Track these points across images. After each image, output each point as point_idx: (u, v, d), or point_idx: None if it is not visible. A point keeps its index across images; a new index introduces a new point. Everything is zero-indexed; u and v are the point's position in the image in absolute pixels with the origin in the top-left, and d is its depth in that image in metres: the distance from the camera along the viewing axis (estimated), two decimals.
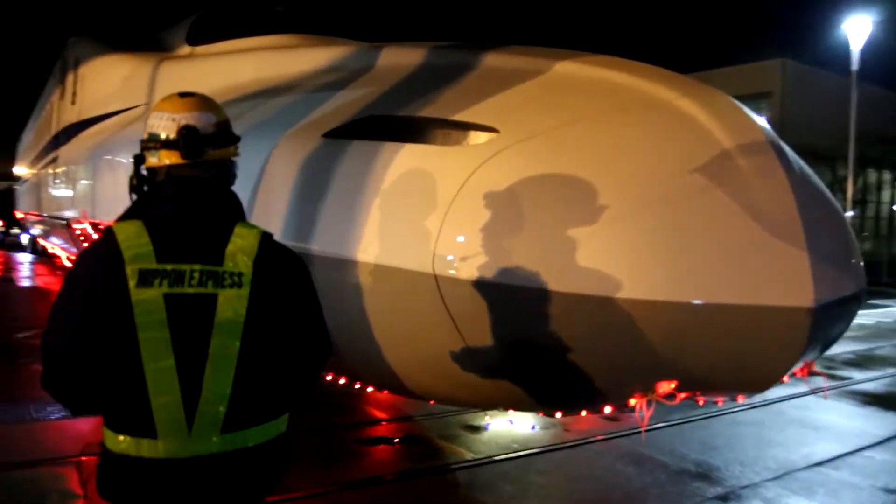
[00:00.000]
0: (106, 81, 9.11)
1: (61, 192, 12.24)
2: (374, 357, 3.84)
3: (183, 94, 2.18)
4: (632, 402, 3.41)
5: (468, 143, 3.64)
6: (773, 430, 6.63)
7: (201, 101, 2.17)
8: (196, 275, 1.95)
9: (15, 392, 6.83)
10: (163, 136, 2.09)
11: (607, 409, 3.61)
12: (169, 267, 1.94)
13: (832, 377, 9.02)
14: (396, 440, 5.95)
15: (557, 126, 3.50)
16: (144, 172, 2.16)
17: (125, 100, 7.96)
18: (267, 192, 4.38)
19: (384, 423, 6.46)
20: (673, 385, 3.29)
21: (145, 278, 1.91)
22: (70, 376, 1.92)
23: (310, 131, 4.35)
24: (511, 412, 4.70)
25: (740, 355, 3.19)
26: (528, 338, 3.28)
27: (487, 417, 6.59)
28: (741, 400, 4.02)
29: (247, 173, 3.90)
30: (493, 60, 4.36)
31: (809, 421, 6.97)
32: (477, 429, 6.32)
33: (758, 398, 7.63)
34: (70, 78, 10.64)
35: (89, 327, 1.89)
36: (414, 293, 3.46)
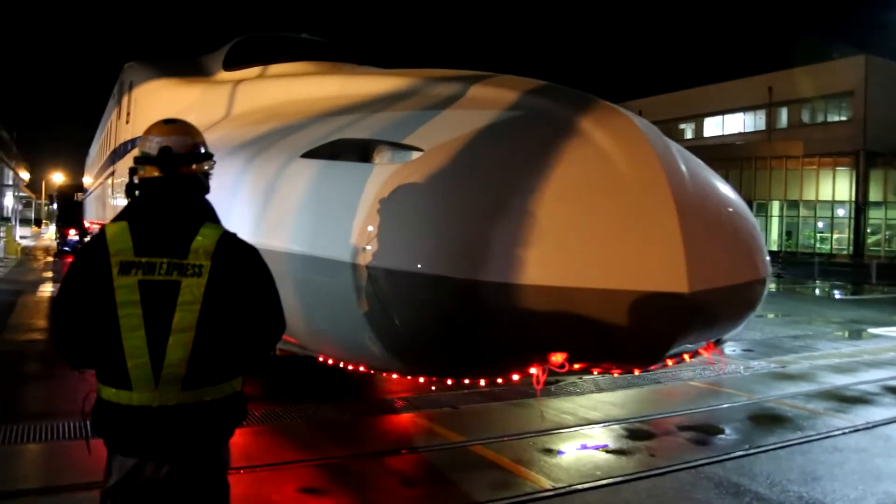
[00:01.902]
0: (154, 103, 9.98)
1: (119, 202, 13.01)
2: (317, 329, 4.84)
3: (167, 121, 2.76)
4: (531, 370, 4.12)
5: (400, 159, 4.54)
6: (880, 458, 6.01)
7: (179, 127, 2.75)
8: (164, 266, 2.50)
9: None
10: (149, 153, 2.66)
11: (515, 377, 4.32)
12: (143, 259, 2.50)
13: None
14: (454, 465, 5.52)
15: (464, 143, 4.28)
16: (137, 182, 2.71)
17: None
18: (258, 199, 5.30)
19: (451, 446, 6.03)
20: (563, 356, 3.95)
21: (125, 268, 2.49)
22: (69, 341, 2.57)
23: (294, 151, 5.28)
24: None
25: (624, 333, 3.82)
26: (438, 315, 4.00)
27: (563, 442, 6.20)
28: (637, 373, 4.69)
29: (246, 183, 5.40)
30: (435, 89, 5.37)
31: None
32: (554, 452, 5.91)
33: (860, 421, 7.07)
34: (125, 99, 11.53)
35: (83, 305, 2.51)
36: (343, 277, 4.29)
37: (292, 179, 5.04)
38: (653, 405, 7.77)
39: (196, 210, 2.67)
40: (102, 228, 2.60)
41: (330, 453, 5.73)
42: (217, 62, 9.37)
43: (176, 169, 2.65)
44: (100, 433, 2.55)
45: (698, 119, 52.10)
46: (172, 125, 2.74)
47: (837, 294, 23.61)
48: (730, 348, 11.74)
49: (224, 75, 9.06)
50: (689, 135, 53.34)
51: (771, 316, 16.34)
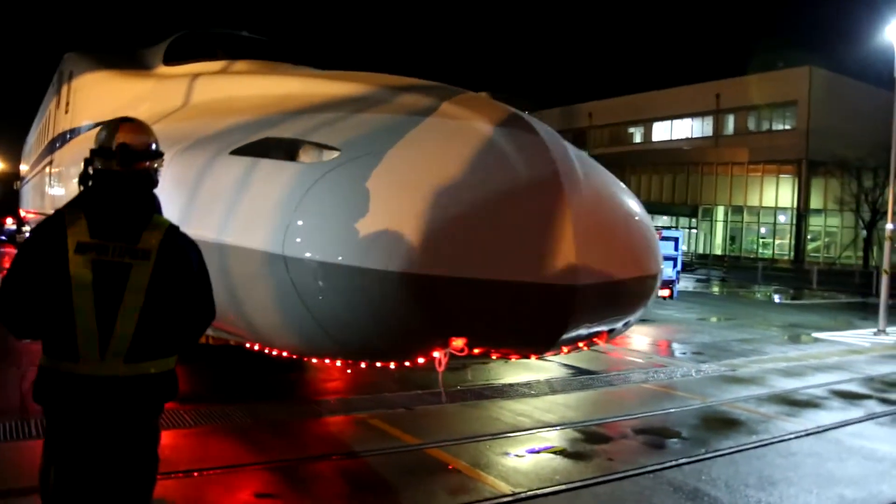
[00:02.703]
0: (93, 94, 10.00)
1: (56, 191, 12.79)
2: (245, 314, 5.04)
3: (125, 119, 3.02)
4: (435, 354, 4.41)
5: (319, 158, 4.91)
6: (832, 462, 6.04)
7: (137, 126, 3.00)
8: (117, 249, 2.73)
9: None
10: (107, 148, 2.88)
11: (420, 360, 4.57)
12: (97, 242, 2.72)
13: (884, 401, 8.46)
14: (410, 468, 5.39)
15: (378, 146, 4.59)
16: (91, 172, 2.90)
17: (108, 112, 8.53)
18: (189, 193, 5.43)
19: (407, 449, 5.87)
20: (463, 341, 4.25)
21: (80, 248, 2.69)
22: (16, 313, 2.71)
23: (223, 148, 5.47)
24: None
25: (519, 321, 4.21)
26: (352, 303, 4.29)
27: (520, 445, 6.10)
28: (534, 358, 4.89)
29: (177, 177, 5.37)
30: (359, 92, 5.69)
31: (869, 452, 6.39)
32: (512, 455, 5.80)
33: (811, 424, 7.13)
34: (65, 89, 11.52)
35: (35, 280, 2.68)
36: (265, 267, 4.59)
37: (220, 175, 5.30)
38: (607, 408, 7.74)
39: (147, 202, 2.94)
40: (60, 212, 2.82)
41: (283, 455, 5.53)
42: (157, 56, 9.38)
43: (132, 164, 2.90)
44: (42, 402, 2.75)
45: (647, 123, 52.74)
46: (131, 124, 3.00)
47: (779, 299, 24.09)
48: (679, 351, 11.85)
49: (163, 70, 9.08)
50: (637, 139, 54.04)
51: (716, 319, 16.58)
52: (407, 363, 4.69)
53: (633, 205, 5.18)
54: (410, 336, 4.38)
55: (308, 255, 4.34)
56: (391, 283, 4.06)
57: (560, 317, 4.18)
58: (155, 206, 2.96)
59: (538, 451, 5.96)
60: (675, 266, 15.49)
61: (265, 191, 4.86)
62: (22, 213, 24.51)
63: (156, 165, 3.00)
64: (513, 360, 4.80)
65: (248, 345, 5.61)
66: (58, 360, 2.70)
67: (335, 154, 4.73)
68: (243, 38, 9.70)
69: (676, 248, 15.55)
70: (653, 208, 42.62)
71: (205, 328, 3.06)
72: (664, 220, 43.02)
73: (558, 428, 6.70)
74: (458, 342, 4.27)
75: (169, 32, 9.91)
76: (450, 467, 5.43)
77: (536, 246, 4.08)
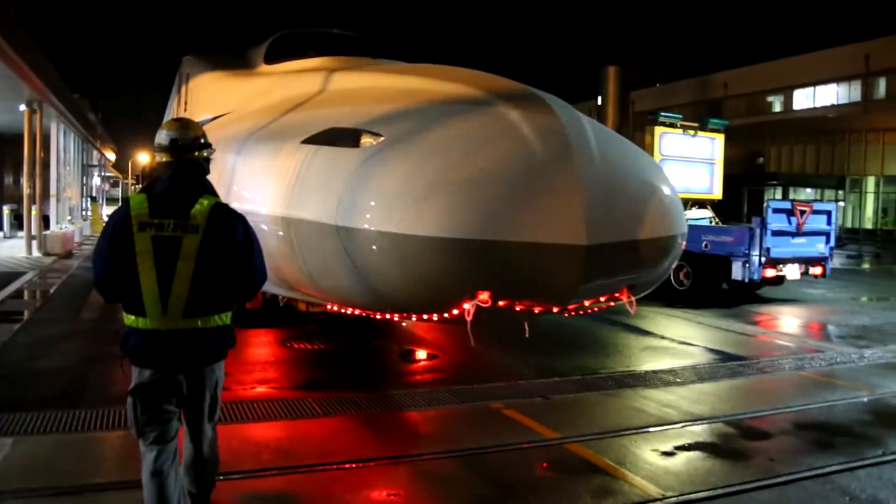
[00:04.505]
0: (205, 93, 11.09)
1: None
2: (301, 275, 6.05)
3: (175, 119, 3.82)
4: (465, 306, 4.96)
5: (364, 143, 5.60)
6: None
7: (185, 123, 3.74)
8: (171, 225, 3.37)
9: None
10: (163, 143, 3.59)
11: (455, 312, 5.08)
12: (155, 220, 3.37)
13: None
14: (550, 466, 5.04)
15: (418, 131, 5.40)
16: (155, 164, 3.64)
17: (217, 108, 9.88)
18: (269, 176, 6.43)
19: (546, 443, 5.52)
20: (488, 294, 4.87)
21: (142, 226, 3.35)
22: (104, 282, 3.44)
23: (297, 138, 6.26)
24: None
25: (537, 276, 4.82)
26: (400, 264, 4.97)
27: (669, 441, 5.63)
28: (556, 310, 5.26)
29: (263, 163, 6.62)
30: (415, 83, 6.55)
31: None
32: (660, 453, 5.34)
33: None
34: (183, 89, 12.36)
35: (113, 255, 3.37)
36: (325, 235, 5.39)
37: (292, 160, 6.11)
38: (762, 399, 7.11)
39: (196, 185, 3.58)
40: (127, 198, 3.54)
41: (413, 449, 5.31)
42: (259, 56, 10.18)
43: (181, 155, 3.59)
44: (125, 351, 3.46)
45: (788, 91, 49.63)
46: (179, 122, 3.77)
47: None
48: (836, 334, 10.91)
49: (264, 68, 9.92)
50: (777, 108, 51.03)
51: (873, 299, 15.29)
52: (445, 314, 5.23)
53: (651, 172, 5.89)
54: (443, 290, 5.03)
55: (355, 224, 5.11)
56: (425, 246, 4.79)
57: (572, 272, 4.77)
58: (205, 187, 3.62)
59: (689, 448, 5.48)
60: (827, 242, 14.30)
61: (322, 173, 5.72)
62: None
63: (205, 154, 3.69)
64: (537, 311, 5.18)
65: (329, 306, 6.54)
66: (132, 317, 3.41)
67: (381, 139, 5.47)
68: (332, 35, 10.45)
69: (829, 223, 14.32)
70: (795, 180, 40.27)
71: (253, 289, 3.66)
72: (808, 192, 40.41)
73: (709, 421, 6.17)
74: (484, 295, 4.88)
75: (280, 30, 10.61)
76: (593, 465, 5.05)
77: (550, 212, 4.71)
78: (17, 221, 24.10)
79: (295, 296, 7.05)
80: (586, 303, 5.34)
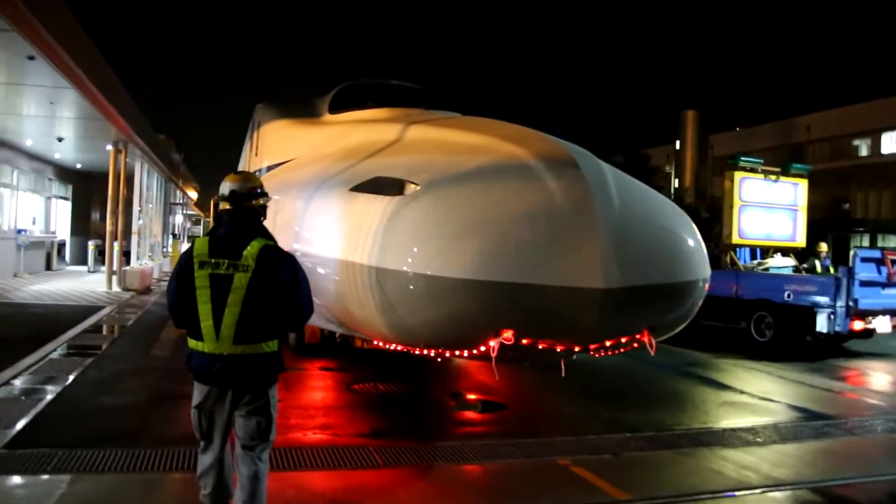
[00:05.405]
0: (274, 140, 11.69)
1: None
2: (345, 312, 6.46)
3: (236, 172, 4.43)
4: (491, 343, 5.15)
5: (401, 192, 5.88)
6: None
7: (243, 176, 4.28)
8: (225, 264, 3.90)
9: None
10: (224, 193, 4.14)
11: (482, 348, 5.25)
12: (213, 260, 3.92)
13: None
14: None
15: (451, 182, 5.80)
16: (219, 211, 4.22)
17: (284, 154, 10.51)
18: (323, 220, 6.99)
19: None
20: (511, 333, 5.09)
21: (202, 265, 3.92)
22: (173, 311, 4.04)
23: (346, 185, 6.74)
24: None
25: (557, 317, 5.09)
26: (432, 303, 5.26)
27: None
28: (577, 349, 5.43)
29: (317, 209, 7.18)
30: (453, 137, 7.07)
31: None
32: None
33: None
34: (255, 135, 13.02)
35: (180, 288, 3.96)
36: (366, 276, 5.69)
37: (340, 206, 6.70)
38: (852, 464, 6.62)
39: (252, 229, 4.07)
40: (193, 240, 4.04)
41: None
42: (325, 105, 10.71)
43: (240, 204, 4.11)
44: (189, 370, 4.00)
45: (875, 134, 47.85)
46: (238, 175, 4.27)
47: None
48: None
49: (327, 117, 10.43)
50: (864, 151, 49.27)
51: None
52: (473, 351, 5.39)
53: (672, 219, 6.20)
54: (470, 329, 5.27)
55: (391, 266, 5.48)
56: (464, 288, 5.09)
57: (589, 314, 5.02)
58: (260, 230, 4.11)
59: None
60: None
61: (363, 219, 6.06)
62: None
63: (261, 202, 4.21)
64: (559, 350, 5.35)
65: (376, 342, 6.68)
66: (193, 342, 3.95)
67: (416, 188, 5.84)
68: (390, 86, 11.05)
69: None
70: (883, 227, 38.53)
71: (300, 320, 4.13)
72: None
73: (792, 487, 5.73)
74: (508, 333, 5.09)
75: (348, 78, 11.24)
76: None
77: (570, 256, 5.01)
78: (101, 256, 24.89)
79: (345, 331, 7.48)
80: (607, 343, 5.54)
